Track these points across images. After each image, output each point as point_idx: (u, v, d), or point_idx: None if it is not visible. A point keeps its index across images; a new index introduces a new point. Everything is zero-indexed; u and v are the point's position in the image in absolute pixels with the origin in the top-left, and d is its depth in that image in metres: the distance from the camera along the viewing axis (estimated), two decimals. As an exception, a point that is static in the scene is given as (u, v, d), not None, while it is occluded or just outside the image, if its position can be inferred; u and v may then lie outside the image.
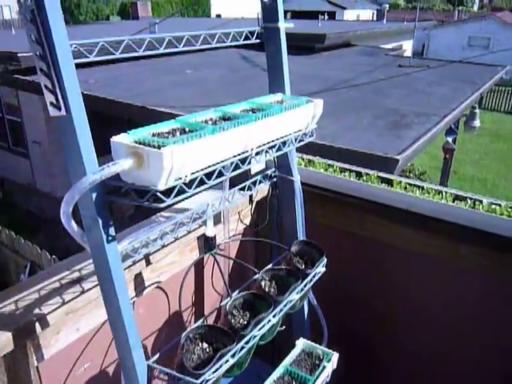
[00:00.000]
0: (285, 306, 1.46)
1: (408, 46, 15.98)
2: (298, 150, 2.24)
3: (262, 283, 1.55)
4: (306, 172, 2.08)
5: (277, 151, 1.35)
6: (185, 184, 1.06)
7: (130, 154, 1.00)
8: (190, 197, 1.13)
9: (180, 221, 1.47)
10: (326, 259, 1.69)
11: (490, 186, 11.74)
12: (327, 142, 5.22)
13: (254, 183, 1.79)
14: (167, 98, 6.92)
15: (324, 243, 1.81)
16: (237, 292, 1.54)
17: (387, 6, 20.64)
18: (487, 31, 25.22)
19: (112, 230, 1.08)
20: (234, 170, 1.21)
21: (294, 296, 1.50)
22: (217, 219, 1.90)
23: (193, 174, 1.08)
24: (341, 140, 5.48)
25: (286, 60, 1.60)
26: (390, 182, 2.01)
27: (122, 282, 1.11)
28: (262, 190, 2.11)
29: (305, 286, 1.57)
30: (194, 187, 1.09)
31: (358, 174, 2.08)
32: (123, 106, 6.79)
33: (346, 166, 2.14)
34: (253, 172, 1.98)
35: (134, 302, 1.66)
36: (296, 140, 1.47)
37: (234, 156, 1.20)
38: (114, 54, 1.10)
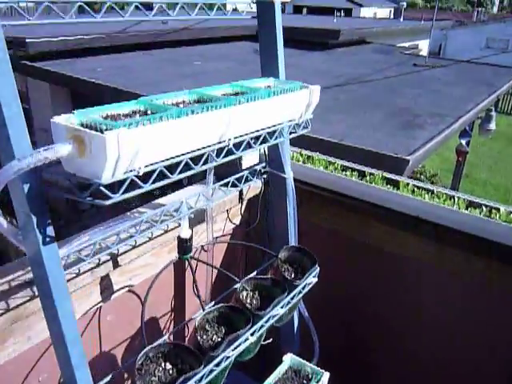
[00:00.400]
0: (267, 321, 1.27)
1: (424, 46, 15.63)
2: (298, 144, 2.04)
3: (244, 294, 1.36)
4: (303, 169, 1.88)
5: (262, 143, 1.15)
6: (139, 177, 0.87)
7: (71, 137, 0.82)
8: (149, 193, 0.94)
9: (146, 219, 1.28)
10: (318, 268, 1.50)
11: (504, 191, 11.41)
12: (336, 140, 5.02)
13: (241, 179, 1.60)
14: (171, 89, 6.74)
15: (321, 249, 1.61)
16: (212, 304, 1.34)
17: (405, 3, 20.23)
18: (506, 33, 24.66)
19: (50, 230, 0.89)
20: (205, 163, 1.01)
21: (279, 310, 1.31)
22: (202, 217, 1.71)
23: (150, 165, 0.89)
24: (350, 138, 5.26)
25: (281, 40, 1.40)
26: (396, 184, 1.80)
27: (62, 291, 0.93)
28: (255, 186, 1.92)
29: (292, 298, 1.38)
30: (151, 181, 0.90)
31: (361, 174, 1.87)
32: (129, 95, 6.62)
33: (349, 164, 1.93)
34: (244, 166, 1.79)
35: (100, 307, 1.48)
36: (287, 131, 1.28)
37: (207, 146, 1.00)
38: (63, 19, 0.91)
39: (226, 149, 1.03)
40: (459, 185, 10.03)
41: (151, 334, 1.55)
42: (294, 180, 1.75)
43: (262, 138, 1.14)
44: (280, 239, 1.65)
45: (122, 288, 1.51)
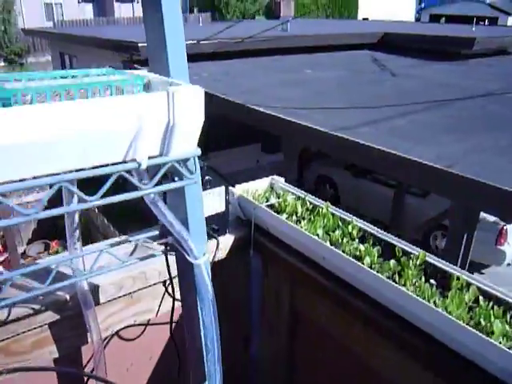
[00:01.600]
0: None
1: None
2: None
3: None
4: (293, 231, 1.13)
5: None
6: None
7: None
8: None
9: None
10: None
11: None
12: (441, 165, 4.00)
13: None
14: (271, 97, 6.19)
15: (312, 355, 0.88)
16: None
17: None
18: None
19: None
20: None
21: None
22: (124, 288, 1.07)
23: None
24: (459, 164, 4.20)
25: (180, 18, 0.70)
26: (445, 281, 0.97)
27: None
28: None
29: None
30: None
31: (389, 248, 1.07)
32: (225, 102, 6.24)
33: (371, 229, 1.13)
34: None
35: None
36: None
37: None
38: None
39: None
40: None
41: None
42: (287, 249, 1.04)
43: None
44: (195, 361, 0.92)
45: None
